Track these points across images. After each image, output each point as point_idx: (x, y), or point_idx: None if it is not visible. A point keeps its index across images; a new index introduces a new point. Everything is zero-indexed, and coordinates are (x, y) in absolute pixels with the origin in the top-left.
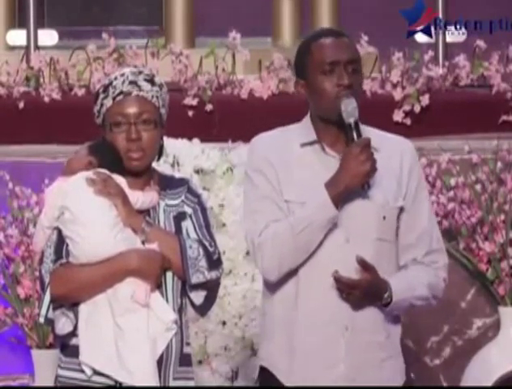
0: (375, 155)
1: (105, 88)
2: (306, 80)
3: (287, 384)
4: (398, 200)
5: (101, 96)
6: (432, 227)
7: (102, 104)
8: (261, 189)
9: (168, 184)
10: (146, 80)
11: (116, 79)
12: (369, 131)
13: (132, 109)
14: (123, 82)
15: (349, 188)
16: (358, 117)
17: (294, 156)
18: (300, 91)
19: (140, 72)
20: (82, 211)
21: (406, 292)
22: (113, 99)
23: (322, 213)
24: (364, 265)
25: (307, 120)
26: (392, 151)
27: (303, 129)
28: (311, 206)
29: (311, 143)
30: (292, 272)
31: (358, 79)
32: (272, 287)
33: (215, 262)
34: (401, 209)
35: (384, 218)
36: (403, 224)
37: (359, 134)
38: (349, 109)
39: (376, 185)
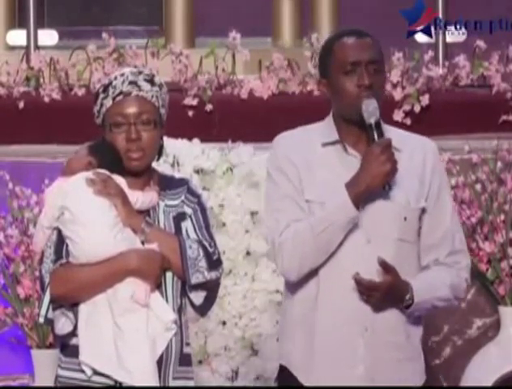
0: (397, 155)
1: (105, 88)
2: (328, 79)
3: (306, 384)
4: (420, 201)
5: (101, 96)
6: (455, 227)
7: (102, 105)
8: (282, 188)
9: (167, 184)
10: (146, 80)
11: (116, 79)
12: (391, 131)
13: (132, 109)
14: (123, 82)
15: (370, 188)
16: (379, 117)
17: (316, 156)
18: (322, 90)
19: (140, 72)
20: (82, 212)
21: (427, 294)
22: (113, 99)
23: (342, 213)
24: (385, 267)
25: (329, 119)
26: (414, 151)
27: (325, 128)
28: (331, 206)
29: (333, 143)
30: (313, 272)
31: (380, 80)
32: (293, 286)
33: (214, 262)
34: (423, 210)
35: (405, 219)
36: (425, 225)
37: (380, 135)
38: (370, 108)
39: (397, 185)
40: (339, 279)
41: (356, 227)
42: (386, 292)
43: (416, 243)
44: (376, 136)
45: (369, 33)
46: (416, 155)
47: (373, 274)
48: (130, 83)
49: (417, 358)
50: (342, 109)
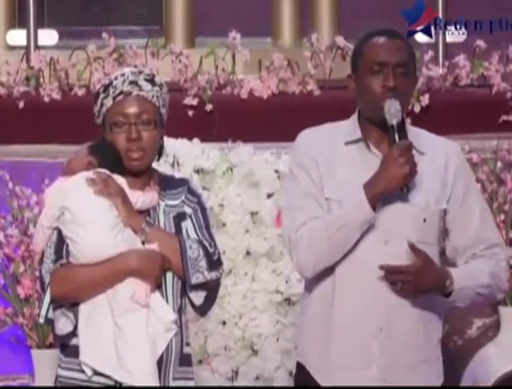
0: (419, 157)
1: (105, 88)
2: (356, 77)
3: (322, 383)
4: (440, 203)
5: (101, 95)
6: (487, 226)
7: (102, 104)
8: (303, 185)
9: (168, 184)
10: (146, 80)
11: (116, 78)
12: (417, 133)
13: (132, 109)
14: (123, 82)
15: (387, 190)
16: (401, 119)
17: (338, 154)
18: (351, 86)
19: (140, 72)
20: (82, 212)
21: (469, 280)
22: (114, 99)
23: (358, 214)
24: (414, 249)
25: (354, 117)
26: (437, 153)
27: (349, 126)
28: (348, 206)
29: (356, 141)
30: (330, 271)
31: (407, 83)
32: (310, 284)
33: (215, 262)
34: (444, 212)
35: (424, 221)
36: (455, 228)
37: (401, 137)
38: (392, 110)
39: (418, 187)
40: (355, 280)
41: (374, 227)
42: (418, 276)
43: (437, 245)
44: (397, 138)
45: (401, 34)
46: (439, 157)
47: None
48: (131, 82)
49: (435, 360)
50: (366, 108)
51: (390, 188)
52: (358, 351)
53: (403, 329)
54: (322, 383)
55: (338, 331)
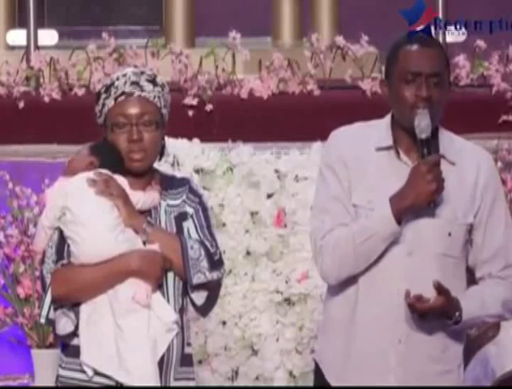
0: (449, 168)
1: (107, 88)
2: (390, 83)
3: (334, 384)
4: (468, 217)
5: (103, 96)
6: (509, 242)
7: (104, 105)
8: (332, 188)
9: (169, 184)
10: (148, 81)
11: (118, 79)
12: (450, 139)
13: (134, 110)
14: (125, 82)
15: (414, 206)
16: (431, 133)
17: (368, 159)
18: (383, 90)
19: (142, 72)
20: (83, 212)
21: (478, 311)
22: (115, 99)
23: (384, 227)
24: (439, 288)
25: (387, 121)
26: (469, 164)
27: (382, 131)
28: (374, 217)
29: (387, 148)
30: (353, 279)
31: (440, 93)
32: (333, 289)
33: (216, 262)
34: (471, 226)
35: (449, 234)
36: (478, 239)
37: (430, 151)
38: (422, 124)
39: (445, 199)
40: (378, 289)
41: (399, 239)
42: (438, 313)
43: (463, 258)
44: (426, 152)
45: (437, 42)
46: (470, 168)
47: (413, 286)
48: (132, 83)
49: (455, 370)
50: (398, 115)
51: (416, 204)
52: (376, 360)
53: (422, 340)
54: (335, 385)
55: (357, 338)
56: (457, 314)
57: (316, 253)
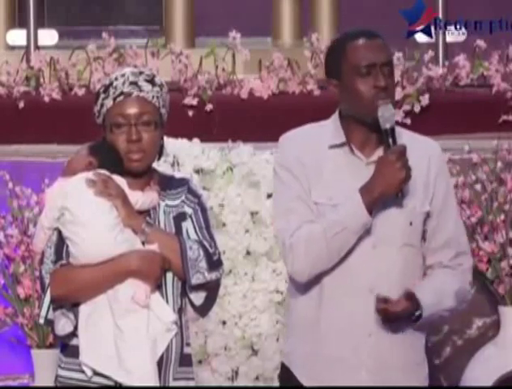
0: None
1: (106, 89)
2: (340, 81)
3: (306, 385)
4: (424, 205)
5: (102, 96)
6: (459, 231)
7: (102, 105)
8: (292, 189)
9: (168, 184)
10: (146, 81)
11: (116, 79)
12: (400, 133)
13: (132, 110)
14: (124, 82)
15: (384, 195)
16: (394, 123)
17: (323, 158)
18: (333, 90)
19: (141, 72)
20: (82, 212)
21: (435, 307)
22: (114, 99)
23: (355, 219)
24: (408, 295)
25: (336, 120)
26: (420, 155)
27: (332, 129)
28: (344, 211)
29: (340, 146)
30: (316, 277)
31: (393, 81)
32: (298, 286)
33: (215, 263)
34: (427, 214)
35: (411, 223)
36: (430, 228)
37: (395, 141)
38: (386, 114)
39: (404, 190)
40: (343, 284)
41: (363, 232)
42: (401, 316)
43: (420, 247)
44: (391, 142)
45: (379, 33)
46: (422, 159)
47: (377, 278)
48: (131, 83)
49: (421, 363)
50: (356, 110)
51: (387, 193)
52: (346, 355)
53: (392, 333)
54: (307, 385)
55: (326, 334)
56: (417, 313)
57: (286, 252)
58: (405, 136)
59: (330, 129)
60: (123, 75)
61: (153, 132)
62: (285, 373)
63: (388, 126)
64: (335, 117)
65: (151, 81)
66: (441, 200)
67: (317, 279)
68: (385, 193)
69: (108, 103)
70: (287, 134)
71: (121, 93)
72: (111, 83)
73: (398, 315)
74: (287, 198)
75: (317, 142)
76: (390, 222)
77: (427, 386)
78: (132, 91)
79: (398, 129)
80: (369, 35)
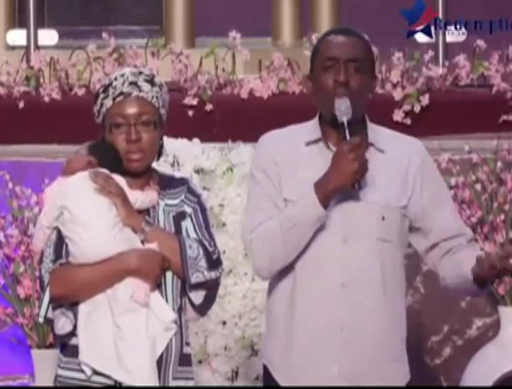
0: (379, 156)
1: (105, 88)
2: (312, 76)
3: (283, 384)
4: (400, 200)
5: (101, 96)
6: (458, 219)
7: (102, 105)
8: (262, 187)
9: (167, 184)
10: (146, 81)
11: (116, 79)
12: (377, 131)
13: (132, 110)
14: (123, 82)
15: (337, 188)
16: (352, 117)
17: (299, 155)
18: (308, 87)
19: (140, 72)
20: (81, 212)
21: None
22: (113, 99)
23: (309, 212)
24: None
25: (316, 118)
26: (400, 151)
27: (310, 127)
28: (299, 205)
29: (316, 141)
30: (290, 271)
31: (360, 79)
32: (272, 284)
33: (214, 262)
34: (405, 208)
35: (383, 218)
36: (428, 225)
37: (352, 134)
38: (342, 107)
39: (377, 185)
40: (315, 278)
41: (332, 226)
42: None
43: (400, 244)
44: (347, 135)
45: (360, 33)
46: (401, 155)
47: (349, 273)
48: (131, 83)
49: (399, 359)
50: (319, 104)
51: (340, 185)
52: (319, 351)
53: (363, 328)
54: (283, 384)
55: (298, 331)
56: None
57: (247, 248)
58: (386, 134)
59: (308, 127)
60: (123, 75)
61: (152, 132)
62: (265, 374)
63: (344, 118)
64: (316, 117)
65: (150, 81)
66: (430, 197)
67: (289, 276)
68: (338, 185)
69: (108, 103)
70: (265, 135)
71: (121, 93)
72: (110, 83)
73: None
74: (255, 197)
75: (294, 141)
76: (361, 217)
77: (406, 382)
78: (131, 91)
79: (378, 127)
80: (345, 32)
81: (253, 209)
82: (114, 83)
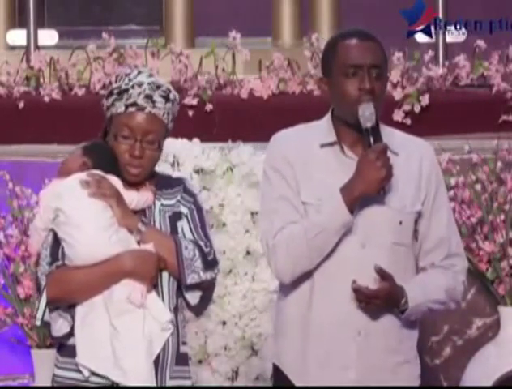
0: (394, 159)
1: (120, 92)
2: (330, 79)
3: (297, 384)
4: (415, 205)
5: (115, 96)
6: (451, 232)
7: (113, 105)
8: (278, 189)
9: (164, 184)
10: (162, 96)
11: (133, 87)
12: (390, 133)
13: (141, 127)
14: (139, 94)
15: (364, 194)
16: (375, 123)
17: (313, 157)
18: (323, 88)
19: (158, 87)
20: (75, 214)
21: (422, 297)
22: (126, 107)
23: (336, 218)
24: (382, 274)
25: (328, 119)
26: (411, 154)
27: (323, 128)
28: (326, 210)
29: (331, 144)
30: (308, 274)
31: (381, 85)
32: (287, 287)
33: (210, 262)
34: (419, 214)
35: (400, 223)
36: (422, 229)
37: (376, 140)
38: (366, 113)
39: (393, 189)
40: (333, 283)
41: (351, 231)
42: (384, 299)
43: (412, 246)
44: (372, 141)
45: (373, 35)
46: (413, 158)
47: (367, 278)
48: (146, 96)
49: (412, 362)
50: (341, 110)
51: (367, 192)
52: (336, 354)
53: (380, 331)
54: (299, 385)
55: (315, 333)
56: (403, 300)
57: (269, 253)
58: (397, 136)
59: (321, 128)
60: (140, 85)
61: (155, 152)
62: (277, 373)
63: (369, 125)
64: (328, 116)
65: (166, 97)
66: (433, 201)
67: (307, 279)
68: (365, 192)
69: (120, 107)
70: (277, 133)
71: (135, 104)
72: (127, 90)
73: (375, 296)
74: (272, 199)
75: (307, 141)
76: (379, 221)
77: (419, 385)
78: (145, 105)
79: (390, 129)
80: (362, 35)
81: (270, 212)
82: (130, 91)
